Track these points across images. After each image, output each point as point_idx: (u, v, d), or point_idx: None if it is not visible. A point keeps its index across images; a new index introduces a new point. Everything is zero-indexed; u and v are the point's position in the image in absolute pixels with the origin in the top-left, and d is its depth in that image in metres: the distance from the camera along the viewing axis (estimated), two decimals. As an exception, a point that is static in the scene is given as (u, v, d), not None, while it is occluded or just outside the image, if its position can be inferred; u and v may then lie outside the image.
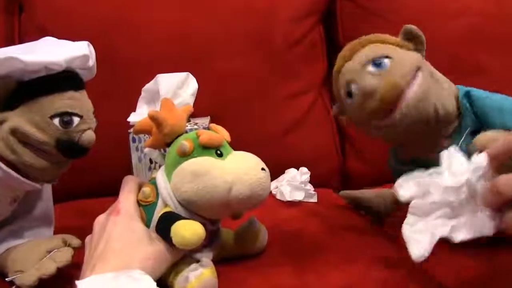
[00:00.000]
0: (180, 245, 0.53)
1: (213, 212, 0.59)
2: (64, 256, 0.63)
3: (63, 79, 0.63)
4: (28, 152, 0.61)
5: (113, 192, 0.94)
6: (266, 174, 0.58)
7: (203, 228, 0.54)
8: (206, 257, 0.59)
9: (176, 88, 0.90)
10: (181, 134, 0.61)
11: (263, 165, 0.59)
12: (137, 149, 0.86)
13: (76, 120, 0.62)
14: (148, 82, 0.92)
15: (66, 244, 0.66)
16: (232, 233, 0.67)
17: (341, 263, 0.65)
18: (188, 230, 0.53)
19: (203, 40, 1.03)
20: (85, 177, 0.98)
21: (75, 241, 0.66)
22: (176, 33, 1.03)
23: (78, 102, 0.63)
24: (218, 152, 0.59)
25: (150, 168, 0.86)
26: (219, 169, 0.57)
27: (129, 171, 0.87)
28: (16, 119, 0.60)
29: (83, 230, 0.78)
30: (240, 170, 0.57)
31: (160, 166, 0.63)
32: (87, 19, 1.00)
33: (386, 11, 1.08)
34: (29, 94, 0.61)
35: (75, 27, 0.99)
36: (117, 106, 0.95)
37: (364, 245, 0.72)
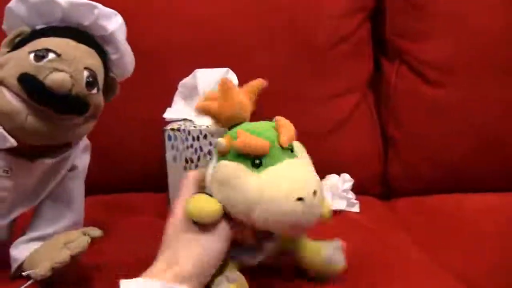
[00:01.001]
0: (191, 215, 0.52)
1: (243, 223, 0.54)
2: (79, 244, 0.59)
3: (71, 30, 0.59)
4: (4, 92, 0.55)
5: (145, 188, 0.96)
6: (304, 205, 0.48)
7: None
8: (252, 260, 0.56)
9: (214, 84, 0.84)
10: (241, 122, 0.56)
11: (306, 192, 0.49)
12: (172, 147, 0.82)
13: (50, 55, 0.55)
14: (184, 76, 0.89)
15: (85, 235, 0.61)
16: (309, 247, 0.60)
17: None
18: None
19: (242, 35, 0.99)
20: (117, 172, 0.97)
21: (96, 232, 0.62)
22: (215, 27, 0.99)
23: (66, 46, 0.57)
24: (257, 161, 0.51)
25: (185, 168, 0.82)
26: (244, 183, 0.50)
27: (163, 170, 0.84)
28: (8, 58, 0.57)
29: (111, 224, 0.78)
30: (268, 192, 0.49)
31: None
32: (120, 11, 0.95)
33: (438, 9, 1.01)
34: (31, 38, 0.58)
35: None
36: (151, 101, 0.92)
37: (408, 267, 0.67)
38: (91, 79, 0.58)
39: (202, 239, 0.53)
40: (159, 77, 0.96)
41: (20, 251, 0.62)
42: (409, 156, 1.04)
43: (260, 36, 0.99)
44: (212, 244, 0.53)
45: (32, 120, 0.55)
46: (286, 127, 0.53)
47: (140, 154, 0.94)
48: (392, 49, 1.06)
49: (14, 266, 0.62)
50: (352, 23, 1.04)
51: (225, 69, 0.88)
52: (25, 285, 0.58)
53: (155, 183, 0.90)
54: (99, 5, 0.61)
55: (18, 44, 0.59)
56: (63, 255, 0.57)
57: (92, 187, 0.91)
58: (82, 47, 0.59)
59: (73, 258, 0.58)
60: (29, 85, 0.54)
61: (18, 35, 0.60)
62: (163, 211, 0.84)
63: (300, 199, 0.48)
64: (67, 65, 0.55)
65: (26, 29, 0.60)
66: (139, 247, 0.70)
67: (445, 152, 0.99)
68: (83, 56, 0.58)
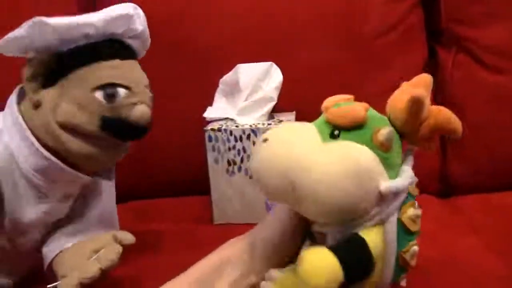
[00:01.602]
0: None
1: None
2: (109, 255, 0.56)
3: (107, 47, 0.56)
4: (71, 138, 0.54)
5: (186, 192, 0.94)
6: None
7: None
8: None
9: (257, 80, 0.83)
10: None
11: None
12: (213, 148, 0.79)
13: (122, 92, 0.54)
14: (225, 73, 0.87)
15: (116, 241, 0.58)
16: None
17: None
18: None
19: (286, 26, 0.96)
20: (155, 176, 0.95)
21: (128, 237, 0.59)
22: (256, 18, 0.96)
23: (124, 71, 0.55)
24: (336, 132, 0.44)
25: (227, 171, 0.79)
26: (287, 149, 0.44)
27: (204, 172, 0.81)
28: (56, 97, 0.53)
29: (151, 233, 0.78)
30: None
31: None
32: (158, 6, 0.95)
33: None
34: (69, 66, 0.54)
35: (147, 15, 0.92)
36: (191, 100, 0.91)
37: (482, 277, 0.61)
38: (151, 94, 0.58)
39: None
40: (199, 74, 0.94)
41: (51, 249, 0.61)
42: (469, 149, 0.98)
43: (303, 28, 0.96)
44: None
45: (104, 155, 0.56)
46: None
47: (180, 156, 0.93)
48: (448, 36, 1.00)
49: (45, 264, 0.61)
50: (402, 9, 0.99)
51: (268, 63, 0.85)
52: None
53: (196, 186, 0.88)
54: (131, 10, 0.58)
55: (50, 75, 0.55)
56: (93, 269, 0.55)
57: (129, 192, 0.92)
58: (132, 64, 0.57)
59: (102, 271, 0.55)
60: (116, 129, 0.54)
61: (40, 65, 0.55)
62: (205, 216, 0.83)
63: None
64: (139, 95, 0.55)
65: (49, 56, 0.55)
66: (176, 257, 0.67)
67: (509, 144, 0.94)
68: (139, 76, 0.57)
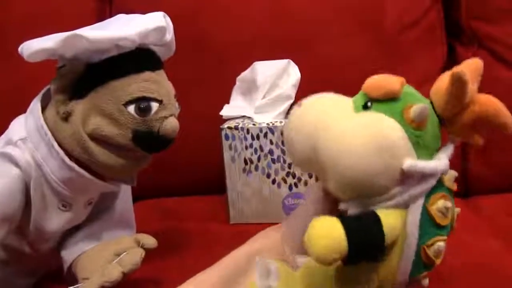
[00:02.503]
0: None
1: None
2: (131, 259, 0.56)
3: (137, 58, 0.55)
4: (101, 150, 0.54)
5: (202, 191, 0.93)
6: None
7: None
8: None
9: (275, 78, 0.82)
10: None
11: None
12: (230, 147, 0.78)
13: (154, 106, 0.54)
14: (242, 70, 0.86)
15: (138, 244, 0.58)
16: None
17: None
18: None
19: (304, 22, 0.96)
20: (171, 175, 0.95)
21: (150, 241, 0.59)
22: (273, 14, 0.96)
23: (156, 84, 0.55)
24: (368, 104, 0.43)
25: (244, 170, 0.78)
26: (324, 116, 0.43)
27: (220, 171, 0.81)
28: (86, 110, 0.53)
29: (167, 233, 0.77)
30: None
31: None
32: (175, 3, 0.95)
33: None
34: (99, 78, 0.53)
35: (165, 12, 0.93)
36: (208, 98, 0.91)
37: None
38: (178, 105, 0.59)
39: None
40: (216, 72, 0.94)
41: (69, 252, 0.61)
42: (491, 149, 0.95)
43: (321, 25, 0.96)
44: None
45: (130, 166, 0.57)
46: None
47: (196, 155, 0.92)
48: (468, 33, 0.99)
49: (65, 267, 0.61)
50: (422, 5, 0.99)
51: (285, 61, 0.84)
52: None
53: (212, 185, 0.88)
54: (163, 21, 0.57)
55: (79, 87, 0.54)
56: (115, 273, 0.54)
57: (144, 191, 0.91)
58: (161, 75, 0.57)
59: (124, 275, 0.55)
60: (147, 143, 0.55)
61: (70, 77, 0.54)
62: (221, 215, 0.83)
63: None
64: (169, 108, 0.55)
65: (78, 67, 0.54)
66: (191, 256, 0.69)
67: None
68: (169, 87, 0.57)
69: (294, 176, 0.77)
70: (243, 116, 0.82)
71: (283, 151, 0.77)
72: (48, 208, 0.57)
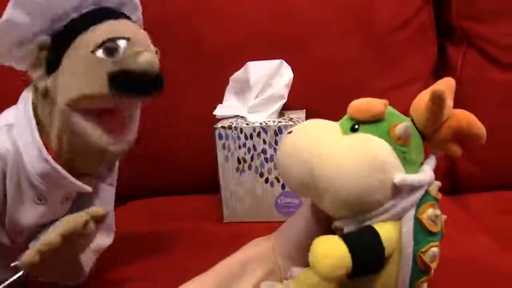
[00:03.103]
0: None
1: None
2: (71, 222, 0.52)
3: (96, 13, 0.54)
4: (82, 120, 0.52)
5: (195, 190, 0.93)
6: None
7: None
8: None
9: (268, 78, 0.83)
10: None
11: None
12: (223, 147, 0.79)
13: (122, 43, 0.51)
14: (236, 70, 0.86)
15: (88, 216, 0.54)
16: None
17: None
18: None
19: (297, 23, 0.96)
20: (164, 174, 0.95)
21: (98, 211, 0.54)
22: (267, 14, 0.95)
23: (120, 26, 0.53)
24: (355, 126, 0.46)
25: (237, 169, 0.79)
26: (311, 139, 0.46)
27: (214, 170, 0.81)
28: (62, 79, 0.52)
29: (160, 232, 0.78)
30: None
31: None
32: (169, 3, 0.94)
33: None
34: (64, 41, 0.52)
35: (156, 13, 0.91)
36: (201, 97, 0.91)
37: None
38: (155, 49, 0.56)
39: None
40: (210, 71, 0.93)
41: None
42: (479, 148, 0.95)
43: (314, 26, 0.96)
44: None
45: (115, 145, 0.54)
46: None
47: (190, 154, 0.92)
48: (458, 32, 0.99)
49: None
50: (413, 5, 0.98)
51: (278, 61, 0.85)
52: (12, 278, 0.53)
53: (206, 185, 0.88)
54: None
55: (51, 58, 0.53)
56: (52, 236, 0.51)
57: (138, 190, 0.91)
58: (125, 21, 0.55)
59: (65, 238, 0.51)
60: (126, 83, 0.51)
61: (39, 51, 0.54)
62: (215, 214, 0.83)
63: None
64: (141, 44, 0.52)
65: (45, 39, 0.53)
66: (185, 255, 0.68)
67: None
68: (138, 29, 0.55)
69: (287, 175, 0.77)
70: (237, 116, 0.82)
71: (275, 150, 0.77)
72: (23, 200, 0.55)
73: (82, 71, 0.51)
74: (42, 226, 0.59)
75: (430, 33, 1.01)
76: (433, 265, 0.46)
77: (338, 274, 0.41)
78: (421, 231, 0.45)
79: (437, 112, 0.45)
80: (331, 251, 0.41)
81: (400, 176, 0.43)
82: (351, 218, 0.45)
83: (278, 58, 0.85)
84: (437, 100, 0.44)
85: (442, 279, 0.57)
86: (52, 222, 0.59)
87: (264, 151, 0.77)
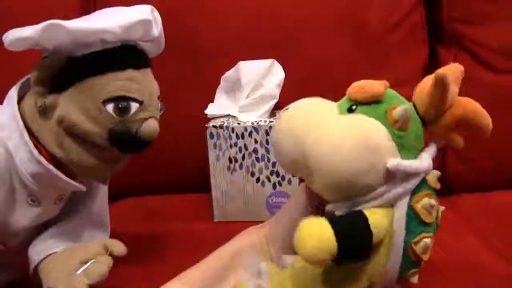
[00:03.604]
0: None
1: None
2: (98, 269, 0.53)
3: (120, 55, 0.53)
4: (76, 148, 0.52)
5: (185, 189, 0.93)
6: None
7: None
8: None
9: (259, 78, 0.82)
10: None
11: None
12: (215, 146, 0.78)
13: (134, 106, 0.52)
14: (227, 69, 0.86)
15: (107, 251, 0.55)
16: None
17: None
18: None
19: (289, 23, 0.95)
20: (154, 173, 0.94)
21: (119, 248, 0.56)
22: (259, 15, 0.95)
23: (138, 84, 0.53)
24: (353, 107, 0.44)
25: (228, 168, 0.78)
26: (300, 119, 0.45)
27: (204, 169, 0.81)
28: (64, 104, 0.51)
29: (150, 231, 0.77)
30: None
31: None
32: (162, 2, 0.91)
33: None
34: (80, 73, 0.51)
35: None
36: (193, 96, 0.90)
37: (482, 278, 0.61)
38: (161, 105, 0.57)
39: None
40: (201, 71, 0.93)
41: (37, 251, 0.58)
42: (468, 148, 0.95)
43: (305, 25, 0.95)
44: None
45: (105, 167, 0.55)
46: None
47: (181, 153, 0.92)
48: (450, 34, 0.99)
49: (31, 267, 0.58)
50: (404, 6, 0.98)
51: (269, 61, 0.85)
52: None
53: (197, 184, 0.88)
54: (149, 15, 0.55)
55: (59, 80, 0.52)
56: (79, 286, 0.52)
57: (129, 189, 0.91)
58: (145, 74, 0.55)
59: (90, 287, 0.52)
60: (124, 143, 0.53)
61: (51, 69, 0.53)
62: (206, 213, 0.83)
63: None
64: (150, 109, 0.54)
65: (60, 60, 0.52)
66: (175, 254, 0.68)
67: (509, 143, 0.93)
68: (153, 86, 0.56)
69: (278, 175, 0.78)
70: (228, 115, 0.82)
71: (267, 150, 0.77)
72: (16, 202, 0.55)
73: (87, 112, 0.51)
74: (38, 228, 0.60)
75: (422, 35, 1.00)
76: (425, 257, 0.45)
77: (321, 257, 0.39)
78: (414, 221, 0.43)
79: (440, 97, 0.43)
80: (315, 232, 0.39)
81: (394, 160, 0.42)
82: (342, 202, 0.44)
83: (270, 57, 0.85)
84: (440, 84, 0.42)
85: (432, 281, 0.58)
86: (46, 223, 0.60)
87: (255, 151, 0.77)
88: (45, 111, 0.52)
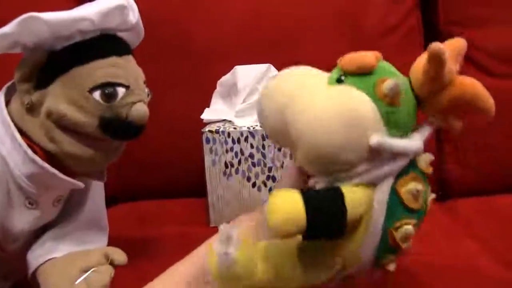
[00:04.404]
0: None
1: None
2: (100, 279, 0.53)
3: (101, 44, 0.53)
4: (69, 139, 0.52)
5: (182, 194, 0.92)
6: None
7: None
8: None
9: (255, 82, 0.82)
10: None
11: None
12: (211, 151, 0.78)
13: (120, 91, 0.52)
14: (224, 74, 0.86)
15: (107, 259, 0.55)
16: None
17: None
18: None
19: (286, 25, 0.95)
20: (150, 177, 0.94)
21: (120, 257, 0.56)
22: (254, 19, 0.95)
23: (122, 69, 0.53)
24: (342, 77, 0.41)
25: (225, 173, 0.78)
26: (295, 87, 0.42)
27: (200, 174, 0.80)
28: (51, 98, 0.51)
29: (146, 236, 0.77)
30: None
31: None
32: (157, 6, 0.93)
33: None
34: (62, 66, 0.51)
35: (146, 15, 0.91)
36: (189, 101, 0.90)
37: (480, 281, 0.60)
38: (148, 90, 0.57)
39: None
40: (197, 75, 0.93)
41: (36, 255, 0.58)
42: (467, 151, 0.96)
43: (301, 30, 0.95)
44: None
45: (100, 157, 0.54)
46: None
47: (177, 158, 0.92)
48: (446, 38, 0.97)
49: (29, 271, 0.58)
50: (401, 10, 0.98)
51: (265, 65, 0.84)
52: None
53: (193, 188, 0.87)
54: (124, 1, 0.54)
55: (43, 75, 0.52)
56: None
57: (125, 194, 0.91)
58: (128, 60, 0.55)
59: None
60: (115, 129, 0.53)
61: (33, 65, 0.53)
62: (202, 218, 0.82)
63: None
64: (138, 93, 0.53)
65: (40, 55, 0.52)
66: (171, 259, 0.65)
67: (508, 147, 0.93)
68: (137, 71, 0.55)
69: (274, 180, 0.77)
70: (224, 120, 0.82)
71: (263, 155, 0.77)
72: (14, 206, 0.55)
73: (75, 103, 0.51)
74: (36, 233, 0.60)
75: (418, 38, 1.01)
76: (404, 246, 0.42)
77: (289, 230, 0.37)
78: (397, 205, 0.41)
79: (434, 74, 0.40)
80: (284, 204, 0.38)
81: (378, 137, 0.39)
82: (322, 177, 0.41)
83: (266, 61, 0.85)
84: (435, 59, 0.39)
85: (429, 285, 0.58)
86: (45, 227, 0.60)
87: (251, 156, 0.77)
88: (32, 108, 0.52)
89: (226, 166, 0.78)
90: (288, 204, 0.38)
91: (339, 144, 0.38)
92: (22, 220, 0.56)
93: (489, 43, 0.93)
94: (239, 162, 0.77)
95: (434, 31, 1.01)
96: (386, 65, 0.43)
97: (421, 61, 0.42)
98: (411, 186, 0.41)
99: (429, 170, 0.43)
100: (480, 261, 0.66)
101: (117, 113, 0.52)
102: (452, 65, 0.41)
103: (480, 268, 0.64)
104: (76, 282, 0.53)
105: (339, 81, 0.41)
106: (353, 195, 0.39)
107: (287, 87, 0.43)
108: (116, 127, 0.52)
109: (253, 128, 0.77)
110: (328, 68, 0.91)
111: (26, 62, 0.52)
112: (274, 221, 0.37)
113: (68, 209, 0.62)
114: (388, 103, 0.40)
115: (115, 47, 0.54)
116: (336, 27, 0.95)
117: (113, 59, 0.53)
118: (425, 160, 0.43)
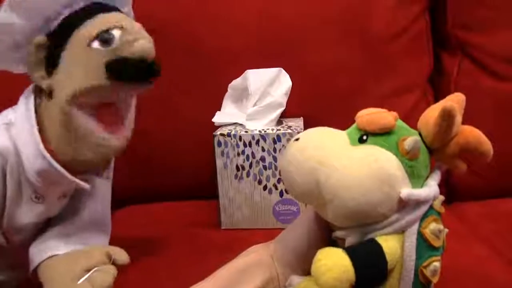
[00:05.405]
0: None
1: None
2: (104, 279, 0.53)
3: (89, 8, 0.54)
4: (85, 121, 0.53)
5: (192, 196, 0.93)
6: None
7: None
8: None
9: (266, 86, 0.82)
10: None
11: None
12: (222, 154, 0.78)
13: (117, 33, 0.52)
14: (234, 77, 0.86)
15: (110, 259, 0.56)
16: None
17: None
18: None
19: (294, 30, 0.95)
20: (161, 180, 0.94)
21: (122, 257, 0.56)
22: (265, 23, 0.95)
23: (112, 17, 0.53)
24: (364, 137, 0.46)
25: (236, 176, 0.78)
26: (317, 149, 0.46)
27: (211, 177, 0.81)
28: (62, 75, 0.52)
29: (157, 238, 0.77)
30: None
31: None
32: (167, 9, 0.94)
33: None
34: (62, 39, 0.53)
35: (156, 18, 0.91)
36: (200, 104, 0.90)
37: None
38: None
39: None
40: (208, 79, 0.93)
41: (38, 251, 0.58)
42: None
43: (311, 32, 0.95)
44: None
45: (117, 143, 0.56)
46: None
47: (189, 160, 0.91)
48: (454, 42, 0.99)
49: (31, 267, 0.58)
50: (409, 14, 0.98)
51: (277, 69, 0.85)
52: None
53: (204, 191, 0.88)
54: None
55: (50, 57, 0.54)
56: None
57: (137, 196, 0.91)
58: (119, 13, 0.56)
59: None
60: (123, 71, 0.51)
61: (37, 50, 0.54)
62: (213, 221, 0.82)
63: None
64: (135, 32, 0.53)
65: (42, 39, 0.54)
66: (182, 261, 0.68)
67: None
68: (131, 20, 0.55)
69: (285, 183, 0.77)
70: (235, 123, 0.82)
71: (274, 158, 0.77)
72: (22, 198, 0.56)
73: (80, 65, 0.52)
74: (39, 226, 0.60)
75: (426, 42, 1.00)
76: (434, 279, 0.46)
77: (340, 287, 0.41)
78: (424, 246, 0.45)
79: (446, 129, 0.45)
80: (334, 264, 0.41)
81: (407, 190, 0.44)
82: (354, 229, 0.45)
83: (276, 65, 0.85)
84: (447, 117, 0.44)
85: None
86: (49, 221, 0.61)
87: (262, 159, 0.77)
88: (51, 93, 0.53)
89: (238, 169, 0.78)
90: (337, 264, 0.41)
91: (375, 200, 0.43)
92: (28, 213, 0.57)
93: (497, 46, 0.93)
94: (250, 165, 0.78)
95: (442, 35, 1.00)
96: (400, 123, 0.48)
97: (430, 115, 0.47)
98: (433, 227, 0.45)
99: (443, 210, 0.47)
100: (489, 264, 0.66)
101: (120, 53, 0.51)
102: (458, 118, 0.47)
103: (489, 271, 0.64)
104: (79, 282, 0.53)
105: (361, 140, 0.46)
106: (388, 244, 0.44)
107: (312, 150, 0.46)
108: (124, 67, 0.52)
109: (264, 131, 0.77)
110: (337, 73, 0.92)
111: (30, 52, 0.54)
112: (326, 281, 0.41)
113: (72, 207, 0.62)
114: (409, 159, 0.45)
115: (102, 8, 0.55)
116: (344, 32, 0.94)
117: (101, 15, 0.54)
118: (439, 201, 0.47)
